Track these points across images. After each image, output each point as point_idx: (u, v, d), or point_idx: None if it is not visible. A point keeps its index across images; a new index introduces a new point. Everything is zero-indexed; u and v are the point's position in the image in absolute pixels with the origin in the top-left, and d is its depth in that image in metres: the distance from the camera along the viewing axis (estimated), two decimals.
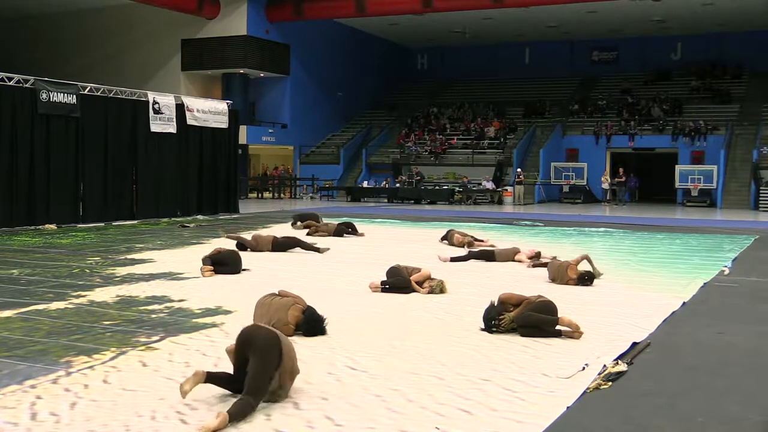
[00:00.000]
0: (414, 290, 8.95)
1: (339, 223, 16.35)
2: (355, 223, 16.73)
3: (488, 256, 12.11)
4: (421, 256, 12.20)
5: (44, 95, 17.69)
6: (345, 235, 15.83)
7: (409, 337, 6.74)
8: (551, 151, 35.11)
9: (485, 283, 9.79)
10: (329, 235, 15.61)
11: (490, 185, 32.73)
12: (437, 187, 33.37)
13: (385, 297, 8.67)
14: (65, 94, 18.22)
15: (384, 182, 34.58)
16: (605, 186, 32.70)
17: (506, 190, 32.28)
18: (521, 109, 39.85)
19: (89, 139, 18.85)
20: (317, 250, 12.89)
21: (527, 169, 33.66)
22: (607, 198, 32.70)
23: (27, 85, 17.53)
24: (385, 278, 9.22)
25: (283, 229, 15.39)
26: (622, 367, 5.68)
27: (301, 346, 6.21)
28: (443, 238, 14.75)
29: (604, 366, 5.69)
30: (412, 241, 15.31)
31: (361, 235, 16.07)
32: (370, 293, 8.89)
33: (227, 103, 23.80)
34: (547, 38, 42.03)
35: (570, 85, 42.03)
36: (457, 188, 32.29)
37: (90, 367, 5.65)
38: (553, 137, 35.95)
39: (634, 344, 6.45)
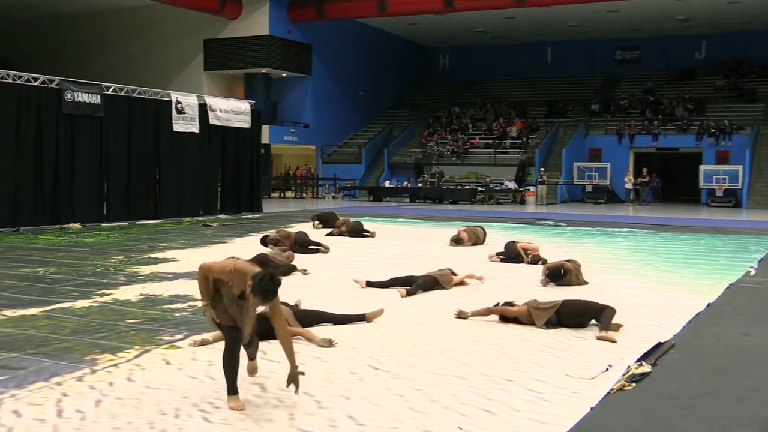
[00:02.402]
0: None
1: (355, 221, 16.26)
2: (374, 223, 16.62)
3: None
4: (445, 256, 12.17)
5: (69, 95, 17.85)
6: (363, 233, 15.77)
7: (431, 337, 6.73)
8: (574, 150, 34.88)
9: (509, 283, 9.76)
10: (348, 235, 15.57)
11: (512, 185, 32.61)
12: (459, 187, 33.29)
13: (408, 297, 8.66)
14: (89, 94, 18.38)
15: (406, 182, 34.56)
16: (628, 186, 32.47)
17: (529, 189, 32.14)
18: (543, 109, 39.68)
19: (113, 138, 19.00)
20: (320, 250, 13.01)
21: (550, 169, 33.49)
22: (631, 198, 32.47)
23: (52, 86, 17.70)
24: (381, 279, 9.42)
25: (303, 229, 15.36)
26: (646, 368, 5.64)
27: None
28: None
29: (628, 367, 5.65)
30: (434, 240, 15.24)
31: (373, 234, 15.89)
32: (392, 293, 8.87)
33: (249, 103, 23.90)
34: (569, 37, 41.81)
35: (592, 84, 41.77)
36: (480, 188, 32.22)
37: (114, 365, 5.71)
38: (575, 137, 35.73)
39: (658, 345, 6.39)
